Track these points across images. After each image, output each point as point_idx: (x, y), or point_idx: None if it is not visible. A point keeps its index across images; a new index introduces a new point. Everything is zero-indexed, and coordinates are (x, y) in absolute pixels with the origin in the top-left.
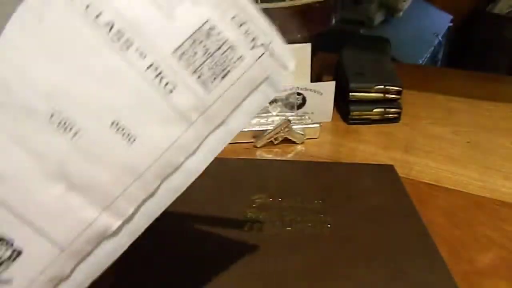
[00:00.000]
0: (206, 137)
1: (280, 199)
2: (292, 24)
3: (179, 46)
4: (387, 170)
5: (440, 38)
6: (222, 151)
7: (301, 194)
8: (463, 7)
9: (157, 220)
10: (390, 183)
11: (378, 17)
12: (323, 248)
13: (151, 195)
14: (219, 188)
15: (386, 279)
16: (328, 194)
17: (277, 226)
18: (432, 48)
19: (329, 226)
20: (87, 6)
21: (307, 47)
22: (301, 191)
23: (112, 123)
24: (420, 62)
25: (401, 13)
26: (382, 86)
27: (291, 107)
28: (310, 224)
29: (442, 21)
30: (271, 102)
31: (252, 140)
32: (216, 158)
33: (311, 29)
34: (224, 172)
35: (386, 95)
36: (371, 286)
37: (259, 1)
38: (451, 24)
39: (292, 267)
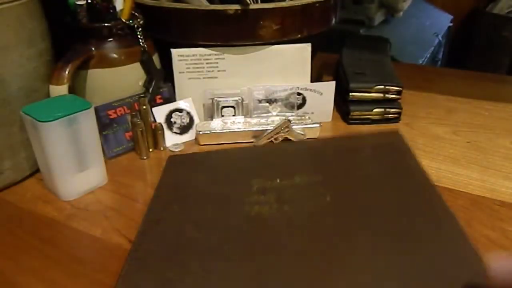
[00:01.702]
0: None
1: (278, 180)
2: (292, 24)
3: None
4: (391, 135)
5: (440, 38)
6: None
7: (300, 172)
8: (463, 7)
9: (159, 220)
10: (394, 148)
11: (378, 17)
12: (324, 221)
13: None
14: (219, 181)
15: (392, 247)
16: (328, 168)
17: (275, 206)
18: (432, 48)
19: (328, 199)
20: None
21: (307, 47)
22: (300, 169)
23: None
24: (420, 62)
25: (401, 13)
26: (382, 86)
27: (291, 107)
28: (309, 200)
29: (442, 21)
30: (271, 102)
31: (252, 140)
32: (214, 152)
33: (311, 29)
34: (223, 164)
35: (386, 95)
36: (377, 255)
37: (259, 1)
38: (451, 24)
39: (291, 247)
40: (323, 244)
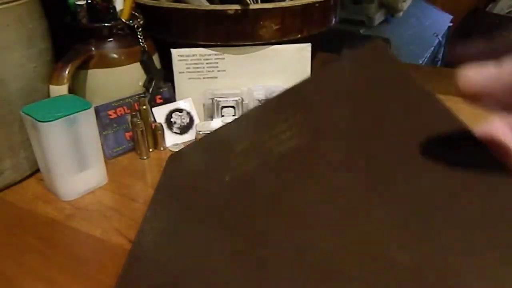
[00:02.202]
0: None
1: (260, 137)
2: (292, 24)
3: None
4: (374, 47)
5: (440, 38)
6: None
7: (281, 121)
8: (463, 7)
9: (159, 220)
10: (376, 58)
11: (378, 17)
12: (298, 155)
13: None
14: (217, 167)
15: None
16: (309, 106)
17: (254, 162)
18: (432, 48)
19: (306, 135)
20: None
21: (307, 47)
22: (281, 117)
23: None
24: (420, 62)
25: (401, 13)
26: None
27: None
28: (282, 143)
29: (442, 21)
30: None
31: None
32: (208, 137)
33: (311, 29)
34: (220, 145)
35: None
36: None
37: (259, 1)
38: (451, 24)
39: (266, 188)
40: (296, 177)
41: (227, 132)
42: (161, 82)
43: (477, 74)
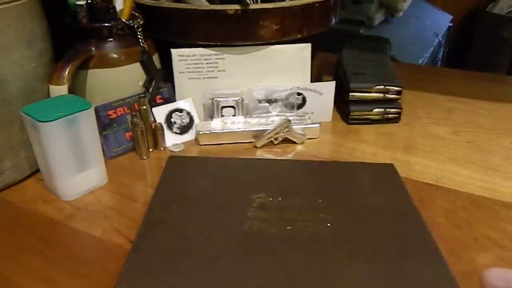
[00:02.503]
0: None
1: (280, 199)
2: (292, 24)
3: None
4: (387, 169)
5: (440, 38)
6: (222, 151)
7: (301, 193)
8: (463, 7)
9: (158, 220)
10: (390, 182)
11: (378, 17)
12: (323, 246)
13: None
14: (219, 187)
15: (385, 278)
16: (328, 193)
17: (277, 225)
18: (432, 48)
19: (329, 224)
20: None
21: (307, 47)
22: (301, 190)
23: None
24: (420, 62)
25: (401, 13)
26: (382, 86)
27: (291, 107)
28: (310, 223)
29: (442, 21)
30: (271, 102)
31: (252, 140)
32: (216, 158)
33: (311, 29)
34: (224, 172)
35: (386, 95)
36: (370, 284)
37: (259, 1)
38: (451, 24)
39: (292, 266)
40: (322, 267)
41: (246, 171)
42: (161, 82)
43: (498, 278)
